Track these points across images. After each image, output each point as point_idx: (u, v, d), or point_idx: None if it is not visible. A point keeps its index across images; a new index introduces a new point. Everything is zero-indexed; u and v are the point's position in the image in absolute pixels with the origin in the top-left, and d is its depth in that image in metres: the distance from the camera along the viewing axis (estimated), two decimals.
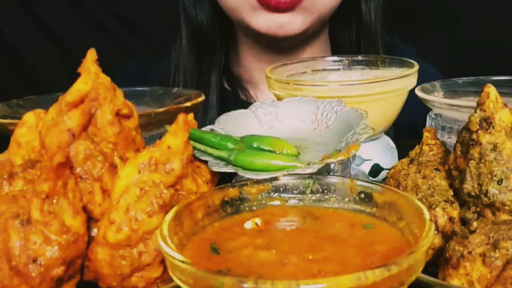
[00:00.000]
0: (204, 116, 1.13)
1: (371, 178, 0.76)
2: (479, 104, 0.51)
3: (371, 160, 0.77)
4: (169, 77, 1.21)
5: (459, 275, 0.45)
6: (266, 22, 1.04)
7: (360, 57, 0.89)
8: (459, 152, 0.53)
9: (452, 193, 0.53)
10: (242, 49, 1.21)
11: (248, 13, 1.05)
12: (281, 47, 1.14)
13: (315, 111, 0.66)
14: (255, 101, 1.19)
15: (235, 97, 1.21)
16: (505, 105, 0.51)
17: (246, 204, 0.52)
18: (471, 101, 0.63)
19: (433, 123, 0.80)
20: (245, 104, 1.10)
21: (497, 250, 0.44)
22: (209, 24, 1.17)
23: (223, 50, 1.21)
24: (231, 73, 1.24)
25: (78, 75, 0.54)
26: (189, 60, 1.18)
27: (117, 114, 0.54)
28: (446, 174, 0.55)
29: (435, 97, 0.76)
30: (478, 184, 0.50)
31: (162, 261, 0.48)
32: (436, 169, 0.56)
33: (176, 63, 1.21)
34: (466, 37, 1.68)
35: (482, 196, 0.49)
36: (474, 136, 0.51)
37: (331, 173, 0.60)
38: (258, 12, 1.04)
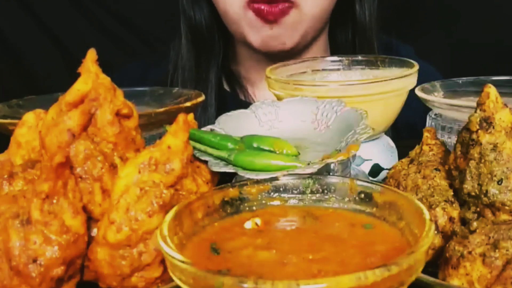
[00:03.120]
0: (203, 114, 1.14)
1: (371, 178, 0.76)
2: (479, 104, 0.51)
3: (371, 160, 0.77)
4: (167, 77, 1.22)
5: (459, 275, 0.45)
6: (261, 37, 1.07)
7: (360, 57, 0.89)
8: (459, 152, 0.53)
9: (452, 193, 0.53)
10: (240, 48, 1.22)
11: (245, 28, 1.08)
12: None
13: (315, 111, 0.66)
14: (253, 100, 1.20)
15: (234, 97, 1.22)
16: (505, 105, 0.51)
17: (246, 204, 0.52)
18: (471, 101, 0.63)
19: (433, 123, 0.80)
20: (244, 104, 1.11)
21: (497, 250, 0.44)
22: (207, 23, 1.19)
23: (222, 49, 1.22)
24: (229, 71, 1.25)
25: (78, 75, 0.54)
26: (187, 59, 1.19)
27: (117, 114, 0.54)
28: (446, 174, 0.55)
29: (435, 97, 0.76)
30: (478, 184, 0.50)
31: (162, 261, 0.48)
32: (436, 169, 0.56)
33: (174, 61, 1.22)
34: (466, 37, 1.68)
35: (482, 196, 0.49)
36: (474, 136, 0.51)
37: (331, 173, 0.60)
38: (255, 27, 1.07)
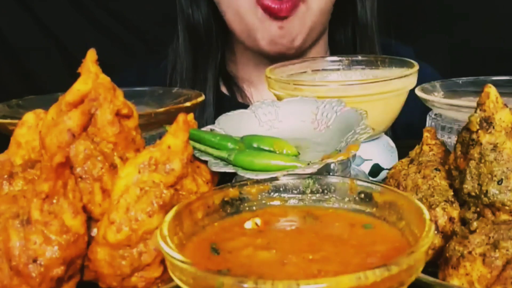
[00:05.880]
0: (201, 114, 1.14)
1: (371, 178, 0.76)
2: (479, 104, 0.51)
3: (371, 160, 0.77)
4: (166, 77, 1.22)
5: (459, 275, 0.45)
6: (270, 36, 1.06)
7: (360, 57, 0.89)
8: (459, 152, 0.53)
9: (452, 193, 0.53)
10: (238, 48, 1.21)
11: (255, 27, 1.07)
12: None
13: (315, 111, 0.66)
14: (251, 101, 1.20)
15: (231, 99, 1.22)
16: (505, 105, 0.51)
17: (246, 204, 0.52)
18: (471, 101, 0.63)
19: (433, 123, 0.80)
20: (241, 106, 1.12)
21: (497, 250, 0.44)
22: (205, 23, 1.19)
23: (219, 49, 1.22)
24: (227, 72, 1.25)
25: (78, 75, 0.54)
26: (185, 58, 1.19)
27: (117, 114, 0.54)
28: (446, 174, 0.55)
29: (435, 97, 0.76)
30: (478, 184, 0.50)
31: (162, 261, 0.48)
32: (436, 169, 0.56)
33: (173, 61, 1.22)
34: (466, 37, 1.68)
35: (482, 196, 0.49)
36: (474, 136, 0.51)
37: (331, 173, 0.60)
38: (264, 25, 1.06)
